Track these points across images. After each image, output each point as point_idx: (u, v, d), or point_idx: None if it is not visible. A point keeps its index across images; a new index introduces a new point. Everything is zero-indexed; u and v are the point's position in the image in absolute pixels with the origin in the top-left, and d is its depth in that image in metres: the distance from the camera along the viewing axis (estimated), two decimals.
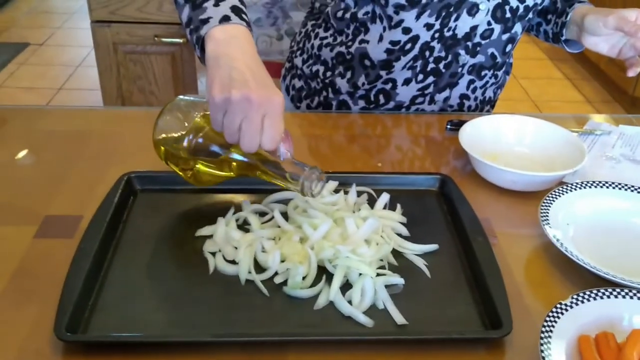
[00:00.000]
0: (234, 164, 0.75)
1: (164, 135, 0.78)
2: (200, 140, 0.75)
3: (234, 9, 0.79)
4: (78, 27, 3.88)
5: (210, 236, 0.77)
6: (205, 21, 0.78)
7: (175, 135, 0.77)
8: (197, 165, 0.77)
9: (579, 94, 3.33)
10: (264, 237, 0.75)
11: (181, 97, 0.81)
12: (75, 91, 3.11)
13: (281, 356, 0.63)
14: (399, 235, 0.79)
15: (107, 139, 0.99)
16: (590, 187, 0.86)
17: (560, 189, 0.84)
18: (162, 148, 0.79)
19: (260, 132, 0.69)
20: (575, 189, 0.85)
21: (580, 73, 3.54)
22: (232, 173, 0.77)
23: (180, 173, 0.79)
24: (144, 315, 0.66)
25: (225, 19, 0.77)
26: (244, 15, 0.80)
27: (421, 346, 0.65)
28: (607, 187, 0.86)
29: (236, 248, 0.74)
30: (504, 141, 0.99)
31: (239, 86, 0.69)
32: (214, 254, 0.74)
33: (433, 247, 0.77)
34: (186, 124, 0.77)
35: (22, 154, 0.96)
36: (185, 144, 0.75)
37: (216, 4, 0.79)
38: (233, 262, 0.73)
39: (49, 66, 3.37)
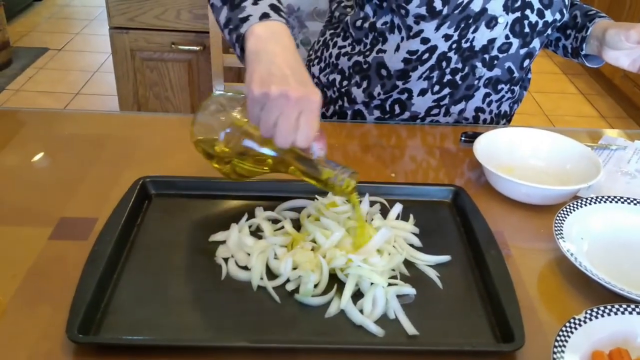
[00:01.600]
0: (269, 159, 0.76)
1: (201, 130, 0.79)
2: (236, 134, 0.75)
3: (273, 7, 0.80)
4: (97, 33, 3.92)
5: (224, 242, 0.77)
6: (245, 19, 0.79)
7: (213, 129, 0.78)
8: (233, 160, 0.77)
9: (593, 109, 3.31)
10: (277, 244, 0.76)
11: (218, 92, 0.82)
12: (93, 96, 3.14)
13: None
14: (412, 245, 0.79)
15: (123, 144, 1.00)
16: (605, 202, 0.85)
17: (575, 203, 0.84)
18: (200, 144, 0.79)
19: (295, 129, 0.69)
20: (590, 204, 0.84)
21: (594, 88, 3.52)
22: (267, 168, 0.77)
23: (217, 166, 0.79)
24: (155, 318, 0.67)
25: (264, 15, 0.78)
26: (282, 13, 0.80)
27: (432, 357, 0.65)
28: (622, 202, 0.85)
29: (249, 254, 0.75)
30: (519, 154, 0.99)
31: (278, 82, 0.69)
32: (226, 260, 0.74)
33: (445, 258, 0.77)
34: (223, 119, 0.77)
35: (39, 156, 0.97)
36: (222, 138, 0.76)
37: (255, 3, 0.80)
38: (245, 268, 0.73)
39: (68, 71, 3.41)
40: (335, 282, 0.72)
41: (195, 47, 2.05)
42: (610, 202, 0.85)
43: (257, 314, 0.68)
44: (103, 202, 0.83)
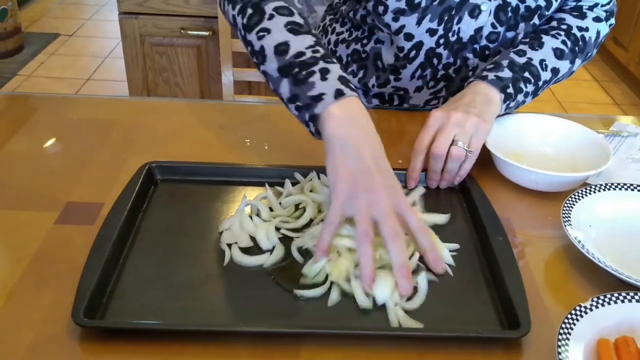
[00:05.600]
0: None
1: None
2: None
3: (342, 79, 0.75)
4: (107, 19, 3.92)
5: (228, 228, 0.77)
6: (318, 98, 0.74)
7: None
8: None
9: (607, 96, 3.27)
10: (283, 215, 0.78)
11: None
12: (103, 82, 3.15)
13: (294, 349, 0.63)
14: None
15: (130, 129, 1.00)
16: (614, 189, 0.84)
17: (584, 190, 0.83)
18: None
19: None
20: (598, 191, 0.83)
21: (608, 75, 3.48)
22: None
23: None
24: (160, 303, 0.67)
25: (339, 93, 0.73)
26: (351, 84, 0.76)
27: (438, 344, 0.64)
28: (632, 190, 0.84)
29: (252, 237, 0.75)
30: (528, 140, 0.98)
31: (366, 185, 0.69)
32: (230, 245, 0.74)
33: (454, 245, 0.77)
34: None
35: (48, 141, 0.97)
36: None
37: (323, 78, 0.75)
38: (249, 253, 0.73)
39: (79, 57, 3.42)
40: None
41: (204, 33, 2.04)
42: (620, 189, 0.84)
43: (261, 300, 0.68)
44: (109, 187, 0.83)
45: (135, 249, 0.74)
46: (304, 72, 0.76)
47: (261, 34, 0.81)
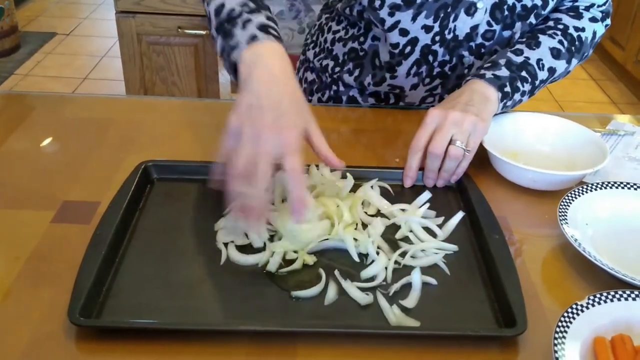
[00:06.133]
0: None
1: None
2: None
3: (261, 27, 0.78)
4: (104, 17, 3.92)
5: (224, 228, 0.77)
6: (235, 47, 0.78)
7: None
8: None
9: (604, 95, 3.28)
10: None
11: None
12: (100, 81, 3.15)
13: (290, 347, 0.63)
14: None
15: (127, 127, 1.00)
16: (610, 187, 0.84)
17: (580, 188, 0.83)
18: None
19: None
20: (595, 189, 0.83)
21: (605, 74, 3.49)
22: None
23: None
24: (157, 302, 0.67)
25: (252, 39, 0.76)
26: (272, 31, 0.78)
27: (435, 342, 0.64)
28: (628, 188, 0.84)
29: (246, 235, 0.75)
30: (525, 139, 0.98)
31: (253, 119, 0.69)
32: (226, 244, 0.74)
33: (452, 247, 0.77)
34: None
35: (44, 140, 0.97)
36: None
37: (243, 27, 0.78)
38: (245, 252, 0.73)
39: (75, 56, 3.42)
40: (324, 273, 0.71)
41: (201, 32, 2.04)
42: (616, 187, 0.84)
43: (258, 298, 0.68)
44: (106, 186, 0.83)
45: (132, 248, 0.74)
46: (229, 26, 0.80)
47: (207, 1, 0.87)
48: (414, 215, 0.80)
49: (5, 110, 1.06)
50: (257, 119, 0.69)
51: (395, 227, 0.79)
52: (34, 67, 3.24)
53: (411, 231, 0.78)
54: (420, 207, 0.82)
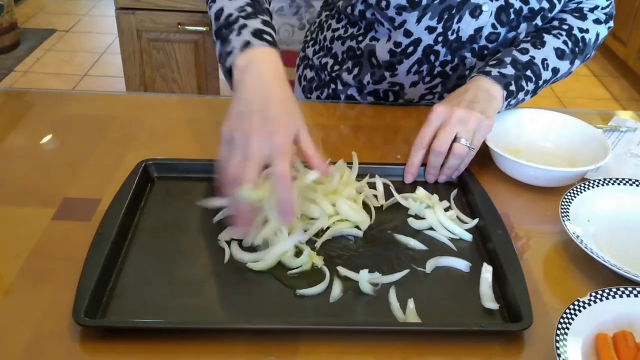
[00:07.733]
0: None
1: None
2: None
3: (255, 32, 0.78)
4: (104, 14, 3.91)
5: (226, 226, 0.77)
6: (230, 52, 0.78)
7: None
8: None
9: (606, 91, 3.27)
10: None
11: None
12: (100, 78, 3.15)
13: (293, 345, 0.63)
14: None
15: (127, 124, 1.00)
16: (612, 184, 0.84)
17: (582, 185, 0.83)
18: None
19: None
20: (597, 186, 0.83)
21: (607, 70, 3.48)
22: None
23: None
24: (161, 301, 0.66)
25: (245, 45, 0.77)
26: (266, 36, 0.78)
27: (439, 337, 0.64)
28: (630, 185, 0.84)
29: None
30: (527, 136, 0.97)
31: (242, 126, 0.70)
32: (229, 242, 0.74)
33: (468, 235, 0.78)
34: None
35: (45, 137, 0.96)
36: None
37: (239, 33, 0.79)
38: (248, 250, 0.73)
39: (75, 52, 3.41)
40: (328, 270, 0.71)
41: (201, 28, 2.04)
42: (618, 184, 0.84)
43: (262, 296, 0.68)
44: (107, 183, 0.83)
45: (134, 247, 0.74)
46: (226, 31, 0.80)
47: (210, 4, 0.87)
48: (438, 205, 0.81)
49: (5, 107, 1.05)
50: (247, 124, 0.70)
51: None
52: (34, 64, 3.24)
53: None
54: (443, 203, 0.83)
